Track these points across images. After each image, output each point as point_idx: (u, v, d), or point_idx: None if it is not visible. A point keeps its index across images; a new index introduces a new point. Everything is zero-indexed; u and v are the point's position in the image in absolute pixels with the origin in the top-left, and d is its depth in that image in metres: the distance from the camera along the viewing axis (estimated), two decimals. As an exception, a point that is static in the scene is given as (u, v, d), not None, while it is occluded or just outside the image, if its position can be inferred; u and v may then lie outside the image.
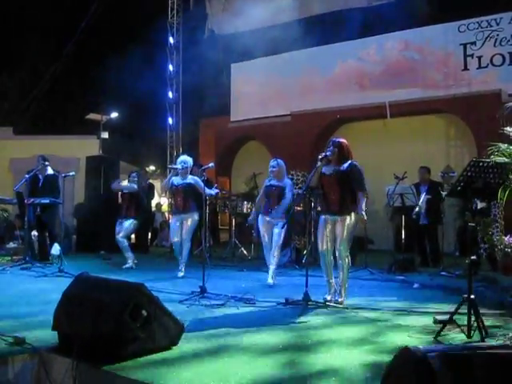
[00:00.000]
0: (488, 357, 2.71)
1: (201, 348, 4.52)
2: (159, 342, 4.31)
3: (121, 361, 3.99)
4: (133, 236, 11.25)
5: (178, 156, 13.83)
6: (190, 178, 9.37)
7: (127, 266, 10.60)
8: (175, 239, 9.34)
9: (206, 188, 8.85)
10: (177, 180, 9.39)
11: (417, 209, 10.42)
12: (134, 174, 11.21)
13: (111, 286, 4.61)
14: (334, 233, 6.60)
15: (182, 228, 9.28)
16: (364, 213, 6.58)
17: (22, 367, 4.30)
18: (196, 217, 9.35)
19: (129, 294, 4.29)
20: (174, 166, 9.56)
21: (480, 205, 8.80)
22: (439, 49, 14.75)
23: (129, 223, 10.72)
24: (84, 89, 23.67)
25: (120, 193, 11.50)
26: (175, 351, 4.38)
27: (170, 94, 18.26)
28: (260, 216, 8.77)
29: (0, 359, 4.27)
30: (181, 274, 9.16)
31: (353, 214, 6.56)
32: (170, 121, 18.21)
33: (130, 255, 10.72)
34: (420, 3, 14.29)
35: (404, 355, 2.85)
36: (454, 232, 11.44)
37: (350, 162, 6.64)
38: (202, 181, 8.91)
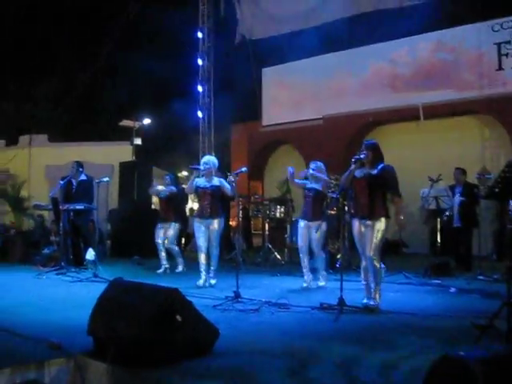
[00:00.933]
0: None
1: (235, 353, 4.49)
2: (193, 347, 4.29)
3: (155, 366, 3.98)
4: (166, 241, 11.28)
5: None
6: (217, 180, 8.86)
7: (179, 270, 10.82)
8: (201, 244, 8.79)
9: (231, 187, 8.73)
10: (202, 182, 8.84)
11: (447, 212, 10.26)
12: (167, 177, 11.26)
13: (146, 292, 4.61)
14: (365, 237, 6.54)
15: (208, 233, 8.76)
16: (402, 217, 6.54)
17: (58, 372, 4.31)
18: (222, 222, 8.89)
19: (163, 300, 4.29)
20: (196, 167, 9.00)
21: None
22: (472, 49, 14.56)
23: (171, 228, 10.85)
24: (117, 96, 23.87)
25: (157, 197, 11.56)
26: (210, 356, 4.35)
27: (200, 88, 18.35)
28: (300, 221, 8.78)
29: (36, 364, 4.30)
30: (212, 281, 8.77)
31: (383, 219, 6.49)
32: (200, 114, 18.30)
33: (180, 260, 10.93)
34: (452, 3, 14.14)
35: (445, 360, 2.79)
36: (490, 235, 11.24)
37: (382, 165, 6.57)
38: None
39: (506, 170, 4.95)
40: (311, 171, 8.60)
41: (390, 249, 10.63)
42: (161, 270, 10.86)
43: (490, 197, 5.56)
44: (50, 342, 4.58)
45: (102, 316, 4.50)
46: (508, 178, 4.94)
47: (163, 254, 10.96)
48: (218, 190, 8.76)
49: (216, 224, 8.73)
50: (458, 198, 10.39)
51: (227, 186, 8.77)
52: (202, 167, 8.77)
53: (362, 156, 6.56)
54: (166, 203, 11.03)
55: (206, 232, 8.75)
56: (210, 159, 9.01)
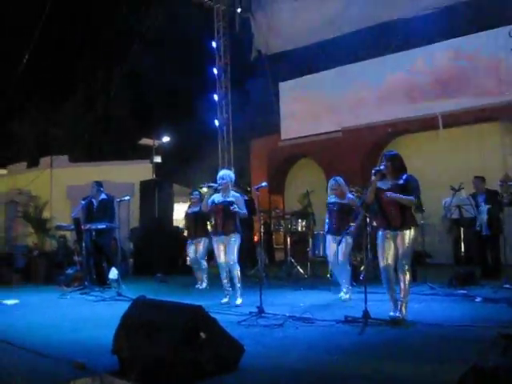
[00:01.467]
0: None
1: (261, 369, 4.46)
2: (219, 364, 4.26)
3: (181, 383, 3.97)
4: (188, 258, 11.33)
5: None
6: (232, 196, 8.54)
7: (202, 287, 10.79)
8: (220, 261, 8.54)
9: (242, 208, 8.46)
10: (218, 197, 8.55)
11: (485, 219, 10.12)
12: (196, 193, 11.28)
13: (169, 309, 4.60)
14: (395, 248, 6.49)
15: (225, 250, 8.45)
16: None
17: (84, 392, 4.32)
18: (237, 238, 8.47)
19: (187, 317, 4.28)
20: (210, 185, 8.73)
21: None
22: (490, 55, 14.43)
23: (202, 243, 10.86)
24: (136, 115, 24.09)
25: (184, 215, 11.59)
26: (235, 373, 4.33)
27: (217, 103, 18.44)
28: (327, 236, 8.76)
29: (63, 383, 4.31)
30: (238, 301, 8.34)
31: (413, 228, 6.48)
32: (217, 123, 18.44)
33: (205, 277, 10.86)
34: (466, 11, 14.07)
35: (474, 371, 2.75)
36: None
37: (406, 175, 6.55)
38: (245, 201, 8.75)
39: (529, 176, 4.89)
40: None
41: (414, 259, 10.53)
42: (200, 285, 10.92)
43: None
44: (75, 362, 4.59)
45: (126, 335, 4.50)
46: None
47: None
48: (231, 205, 8.41)
49: (230, 241, 8.41)
50: (484, 207, 10.27)
51: (241, 207, 8.47)
52: (218, 182, 8.51)
53: (381, 167, 6.54)
54: (194, 221, 11.06)
55: (223, 250, 8.50)
56: (225, 173, 8.71)
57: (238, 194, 8.78)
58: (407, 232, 6.44)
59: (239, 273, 8.50)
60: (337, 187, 8.57)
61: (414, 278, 9.63)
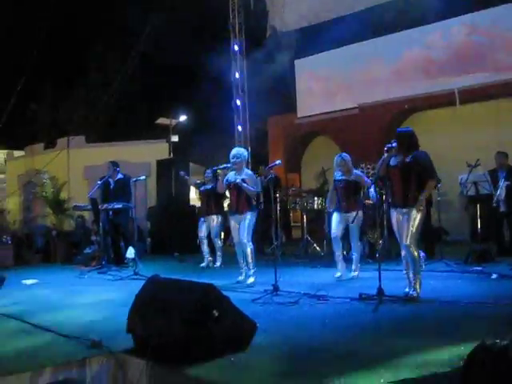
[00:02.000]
0: None
1: (275, 347, 4.49)
2: (232, 341, 4.29)
3: (194, 361, 4.00)
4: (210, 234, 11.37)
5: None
6: (245, 174, 8.41)
7: (216, 265, 10.91)
8: (236, 240, 8.51)
9: (252, 187, 8.32)
10: (232, 176, 8.46)
11: (502, 196, 10.02)
12: (208, 171, 11.28)
13: (182, 288, 4.64)
14: (402, 226, 6.48)
15: (239, 229, 8.36)
16: (422, 200, 6.38)
17: (99, 369, 4.39)
18: (252, 216, 8.33)
19: (199, 295, 4.30)
20: (221, 167, 8.65)
21: None
22: (508, 30, 14.24)
23: (214, 221, 10.92)
24: (152, 94, 24.09)
25: (198, 192, 11.65)
26: (248, 351, 4.36)
27: (237, 75, 18.41)
28: (335, 212, 8.70)
29: (78, 361, 4.38)
30: (250, 280, 8.24)
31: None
32: (239, 102, 18.39)
33: (219, 255, 10.99)
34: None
35: (483, 348, 2.75)
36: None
37: (414, 153, 6.47)
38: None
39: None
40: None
41: (432, 236, 10.51)
42: (204, 264, 10.98)
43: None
44: (91, 340, 4.66)
45: (140, 313, 4.55)
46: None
47: (206, 248, 11.10)
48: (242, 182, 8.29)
49: (244, 219, 8.29)
50: (503, 183, 10.13)
51: (253, 185, 8.36)
52: (231, 160, 8.36)
53: (394, 144, 6.49)
54: (207, 197, 11.08)
55: (238, 228, 8.39)
56: (238, 152, 8.50)
57: (250, 172, 8.69)
58: (412, 211, 6.37)
59: (252, 251, 8.36)
60: (343, 164, 8.49)
61: (430, 255, 9.69)
